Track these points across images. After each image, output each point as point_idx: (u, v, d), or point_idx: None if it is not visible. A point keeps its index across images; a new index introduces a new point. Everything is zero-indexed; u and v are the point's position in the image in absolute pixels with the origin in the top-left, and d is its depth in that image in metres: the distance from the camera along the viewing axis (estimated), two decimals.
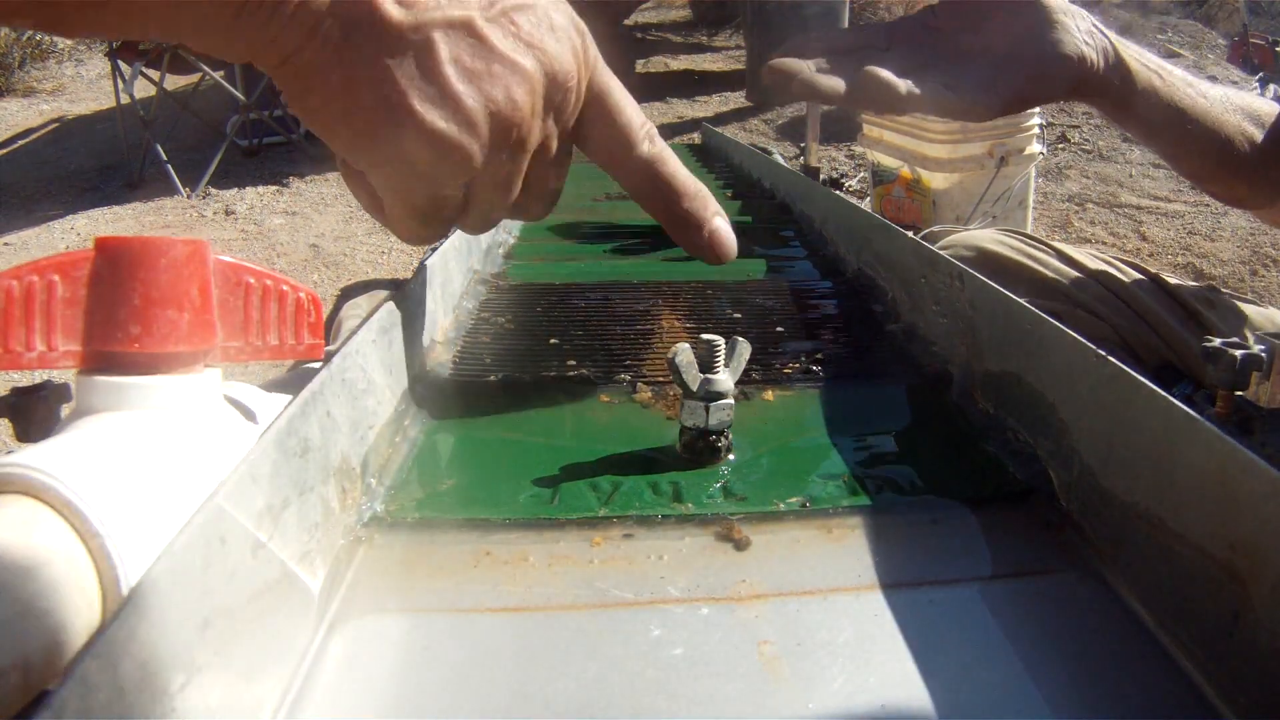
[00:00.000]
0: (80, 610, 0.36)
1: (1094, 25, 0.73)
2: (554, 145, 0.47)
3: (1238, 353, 0.53)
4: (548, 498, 0.47)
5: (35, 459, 0.38)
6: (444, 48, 0.39)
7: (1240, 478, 0.32)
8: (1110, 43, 0.73)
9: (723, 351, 0.51)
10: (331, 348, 0.52)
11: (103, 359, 0.46)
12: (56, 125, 4.84)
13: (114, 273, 0.45)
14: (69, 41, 6.53)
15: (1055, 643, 0.35)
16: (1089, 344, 0.44)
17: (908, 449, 0.53)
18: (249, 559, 0.34)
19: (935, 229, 1.90)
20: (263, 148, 3.83)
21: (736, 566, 0.40)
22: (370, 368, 0.51)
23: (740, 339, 0.52)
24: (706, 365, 0.51)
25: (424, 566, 0.41)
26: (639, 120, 0.51)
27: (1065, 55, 0.70)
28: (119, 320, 0.45)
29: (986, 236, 1.05)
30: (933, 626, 0.36)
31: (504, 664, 0.35)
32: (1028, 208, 2.41)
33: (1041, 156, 2.34)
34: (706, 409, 0.50)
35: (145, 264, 0.45)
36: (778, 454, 0.52)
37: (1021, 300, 0.52)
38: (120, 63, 3.42)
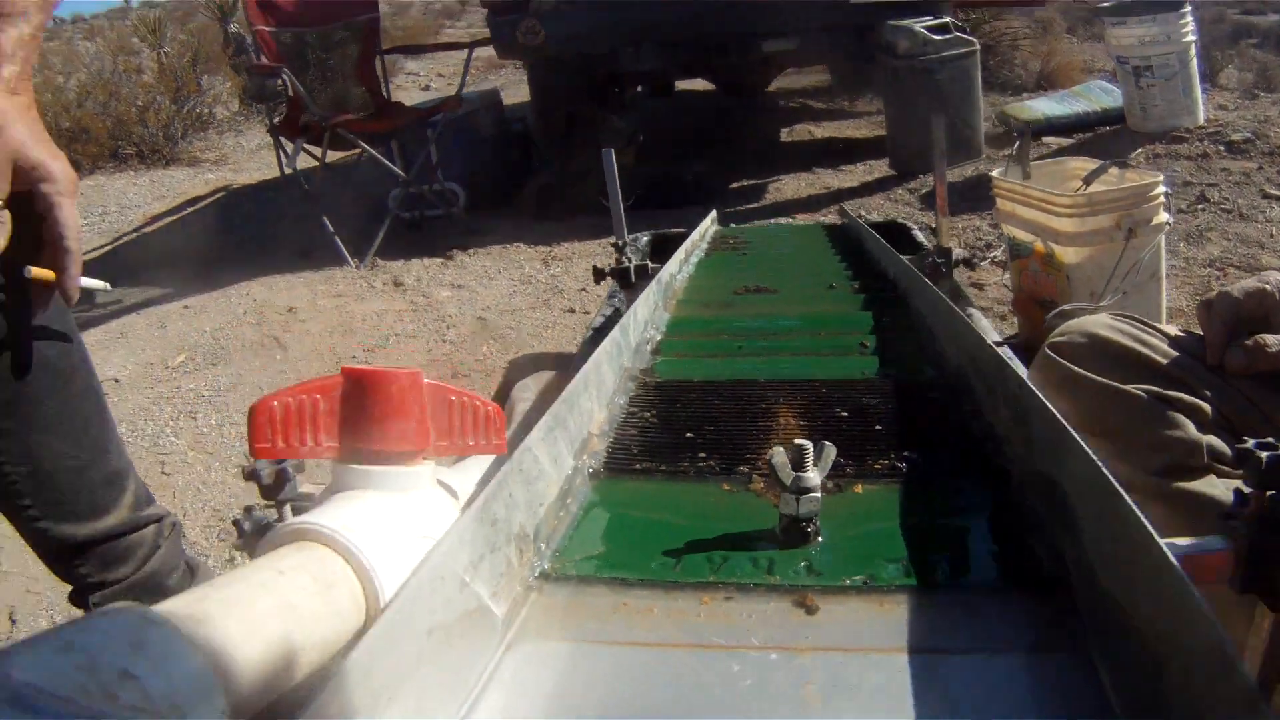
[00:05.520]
0: (354, 619, 0.54)
1: None
2: None
3: (1265, 454, 0.55)
4: (672, 565, 0.62)
5: (324, 519, 0.57)
6: None
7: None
8: None
9: (811, 454, 0.65)
10: (510, 433, 0.70)
11: (353, 452, 0.64)
12: (222, 194, 5.36)
13: (358, 394, 0.64)
14: (228, 112, 7.16)
15: (1045, 713, 0.47)
16: (1101, 465, 0.55)
17: (962, 537, 0.65)
18: (457, 593, 0.50)
19: (1066, 308, 1.94)
20: (425, 220, 4.16)
21: (804, 626, 0.54)
22: (541, 459, 0.68)
23: (827, 443, 0.66)
24: (798, 464, 0.65)
25: (578, 610, 0.57)
26: None
27: None
28: (363, 427, 0.64)
29: (1101, 322, 1.11)
30: (949, 685, 0.49)
31: (632, 682, 0.50)
32: (1160, 279, 2.36)
33: (1169, 225, 2.31)
34: (797, 500, 0.64)
35: (380, 388, 0.64)
36: (854, 539, 0.66)
37: (1053, 409, 0.64)
38: (282, 139, 3.85)
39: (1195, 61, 4.09)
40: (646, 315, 1.25)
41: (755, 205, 4.04)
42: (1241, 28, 12.98)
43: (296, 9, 3.97)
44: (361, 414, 0.64)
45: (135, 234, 4.71)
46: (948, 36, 3.84)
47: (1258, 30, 12.78)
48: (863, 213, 3.50)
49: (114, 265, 4.08)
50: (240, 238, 4.26)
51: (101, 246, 4.49)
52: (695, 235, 1.96)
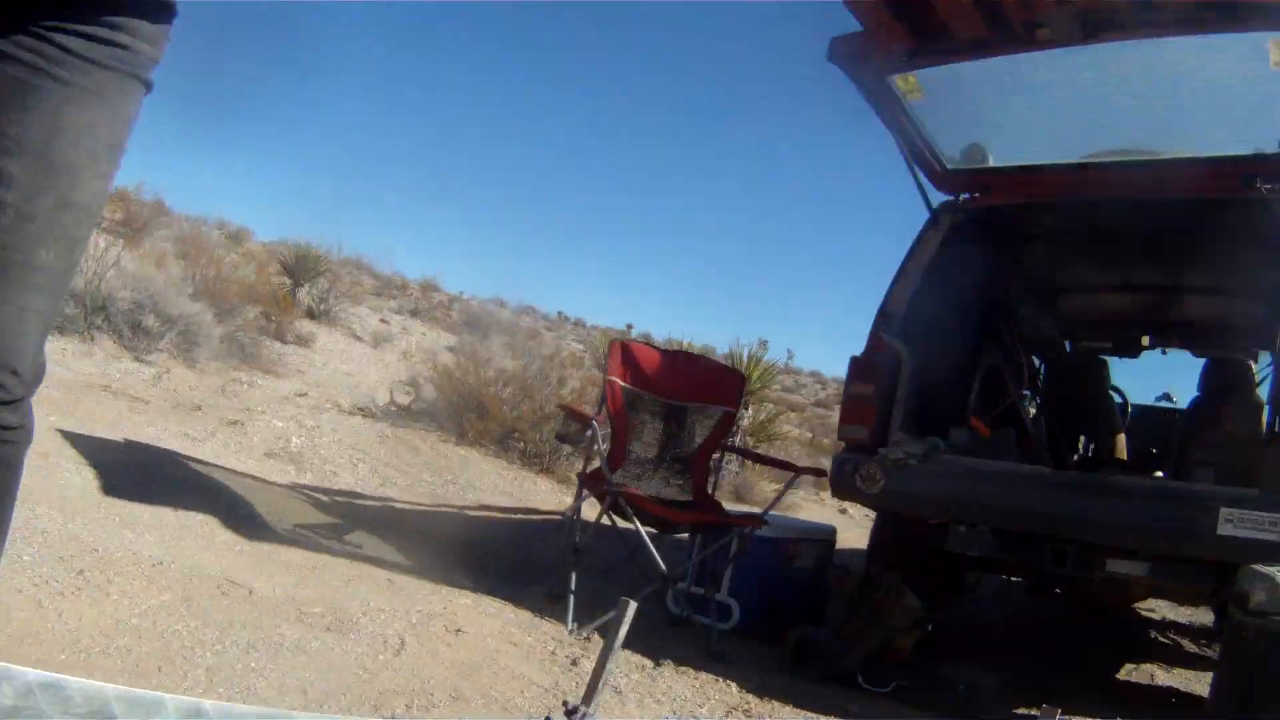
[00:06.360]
0: None
1: None
2: None
3: None
4: None
5: None
6: None
7: None
8: None
9: None
10: None
11: None
12: (559, 518, 5.24)
13: None
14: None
15: None
16: None
17: None
18: None
19: None
20: (689, 623, 3.63)
21: None
22: None
23: None
24: None
25: None
26: None
27: None
28: None
29: None
30: None
31: None
32: None
33: None
34: None
35: None
36: None
37: None
38: (585, 490, 3.69)
39: None
40: None
41: None
42: None
43: (658, 378, 4.03)
44: None
45: (456, 510, 4.94)
46: None
47: None
48: None
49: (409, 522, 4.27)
50: (521, 558, 4.19)
51: (422, 506, 4.76)
52: None
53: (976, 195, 4.26)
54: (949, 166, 4.25)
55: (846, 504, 7.25)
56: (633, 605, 1.47)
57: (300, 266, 9.77)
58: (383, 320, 12.17)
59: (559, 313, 26.77)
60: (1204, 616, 6.07)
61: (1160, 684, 4.45)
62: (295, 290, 9.45)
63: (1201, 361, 5.80)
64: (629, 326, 23.95)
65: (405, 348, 10.36)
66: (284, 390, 6.78)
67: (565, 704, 1.42)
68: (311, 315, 9.46)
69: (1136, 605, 6.00)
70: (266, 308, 8.03)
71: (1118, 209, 4.11)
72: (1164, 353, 6.44)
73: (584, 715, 1.43)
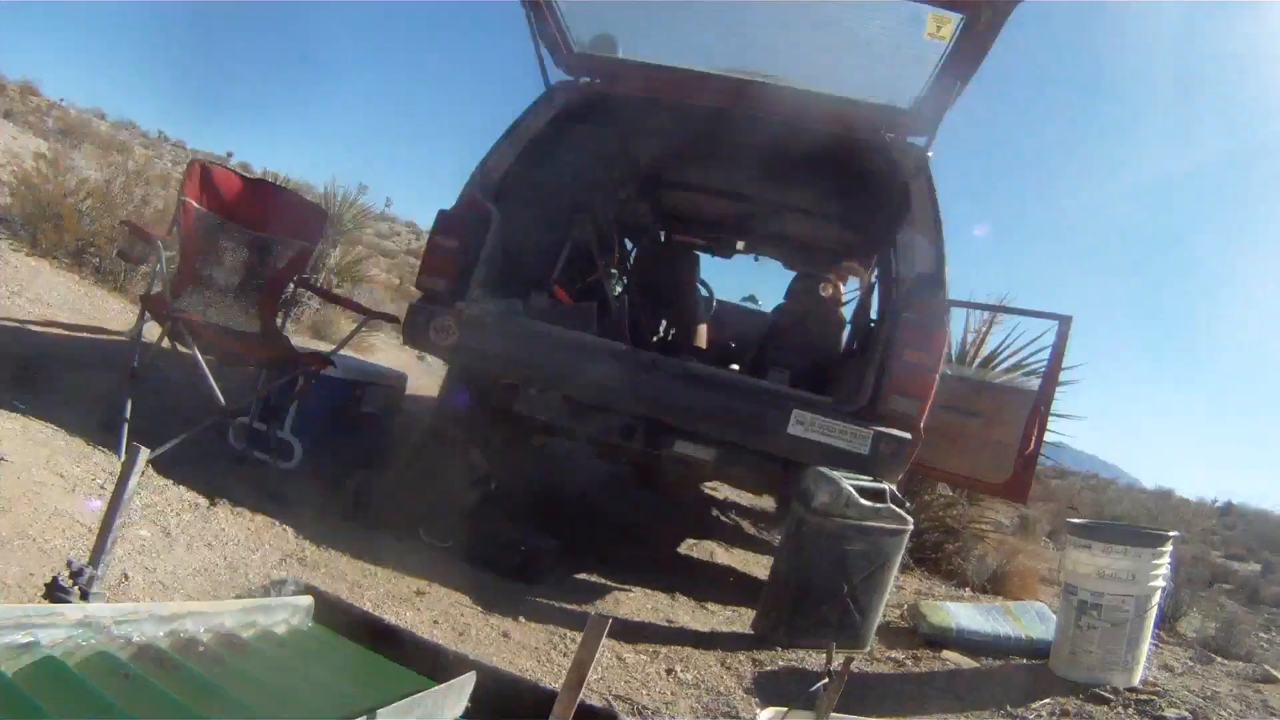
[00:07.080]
0: None
1: None
2: None
3: None
4: None
5: None
6: None
7: None
8: None
9: None
10: None
11: None
12: (102, 336, 4.98)
13: None
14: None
15: None
16: None
17: None
18: None
19: None
20: (250, 460, 3.67)
21: None
22: None
23: None
24: None
25: None
26: None
27: None
28: None
29: None
30: None
31: None
32: None
33: None
34: None
35: None
36: None
37: None
38: (148, 313, 3.54)
39: (1155, 612, 3.41)
40: None
41: (571, 605, 3.34)
42: (1220, 572, 12.53)
43: (237, 205, 3.86)
44: None
45: (18, 324, 4.57)
46: (879, 506, 3.26)
47: (1235, 578, 12.37)
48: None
49: None
50: (84, 378, 3.92)
51: None
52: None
53: (597, 81, 4.32)
54: (575, 49, 4.29)
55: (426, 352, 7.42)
56: (144, 453, 1.37)
57: None
58: None
59: (160, 132, 24.64)
60: (765, 501, 6.51)
61: (719, 562, 4.84)
62: None
63: (792, 274, 6.19)
64: (229, 154, 22.22)
65: None
66: None
67: (70, 563, 1.25)
68: None
69: (702, 484, 6.42)
70: None
71: (737, 123, 4.24)
72: (756, 259, 6.90)
73: (90, 577, 1.25)
